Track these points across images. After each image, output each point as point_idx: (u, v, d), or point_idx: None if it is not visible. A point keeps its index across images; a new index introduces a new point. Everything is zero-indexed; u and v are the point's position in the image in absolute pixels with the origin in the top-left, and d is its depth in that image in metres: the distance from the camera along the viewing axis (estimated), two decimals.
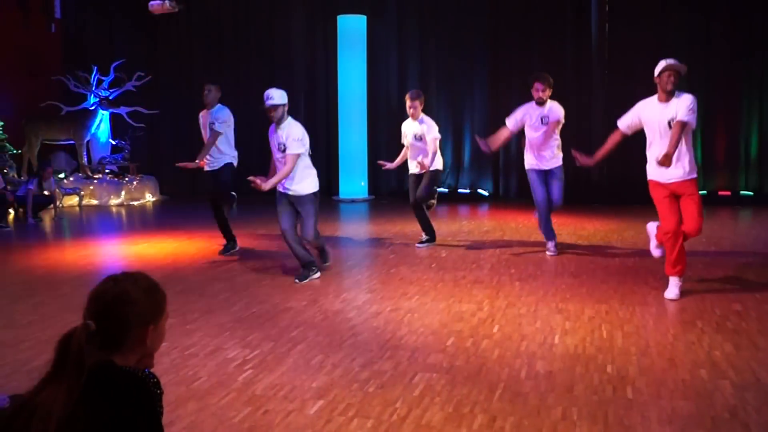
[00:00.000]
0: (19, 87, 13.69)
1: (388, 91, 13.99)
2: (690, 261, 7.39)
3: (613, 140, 6.15)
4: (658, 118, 5.72)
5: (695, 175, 5.82)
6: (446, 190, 13.69)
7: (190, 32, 14.74)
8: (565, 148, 7.55)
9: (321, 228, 9.83)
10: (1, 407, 1.90)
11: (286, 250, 8.08)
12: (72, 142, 13.50)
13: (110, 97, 13.70)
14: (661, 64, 5.70)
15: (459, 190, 13.70)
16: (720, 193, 12.51)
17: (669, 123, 5.67)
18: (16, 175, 12.70)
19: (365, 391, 3.87)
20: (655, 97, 5.81)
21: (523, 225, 9.99)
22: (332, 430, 3.39)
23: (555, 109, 7.51)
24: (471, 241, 8.85)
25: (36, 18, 14.38)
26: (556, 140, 7.57)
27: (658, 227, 6.08)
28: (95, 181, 13.21)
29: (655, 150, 5.79)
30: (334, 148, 13.95)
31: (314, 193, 6.61)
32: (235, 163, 7.95)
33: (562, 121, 7.54)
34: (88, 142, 13.65)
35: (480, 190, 13.58)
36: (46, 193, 11.28)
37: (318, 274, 6.69)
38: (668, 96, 5.70)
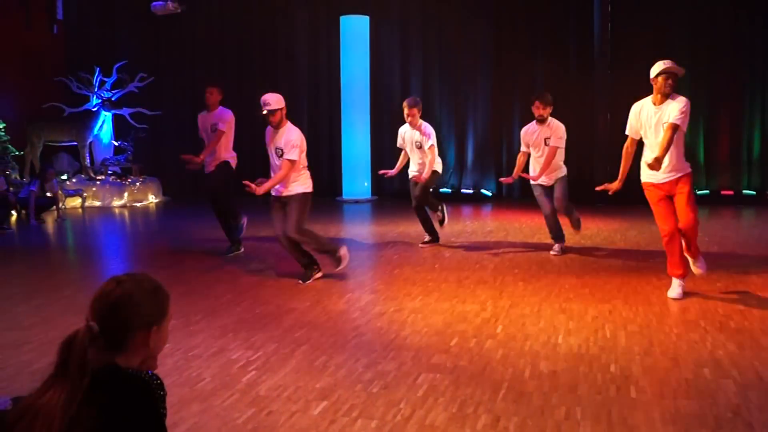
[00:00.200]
0: (22, 88, 13.72)
1: (391, 92, 13.99)
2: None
3: (629, 152, 5.95)
4: (653, 120, 5.68)
5: (688, 171, 5.77)
6: (449, 190, 13.71)
7: (192, 33, 14.76)
8: (571, 152, 7.57)
9: (325, 229, 9.88)
10: (3, 409, 1.90)
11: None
12: (74, 143, 13.51)
13: (113, 99, 13.72)
14: (658, 67, 5.61)
15: (462, 191, 13.71)
16: (723, 192, 12.50)
17: (664, 125, 5.63)
18: (18, 177, 12.72)
19: (369, 391, 3.87)
20: (649, 99, 5.75)
21: (526, 225, 9.98)
22: (336, 430, 3.39)
23: (556, 130, 7.55)
24: (474, 241, 8.84)
25: (38, 19, 14.41)
26: (561, 157, 7.66)
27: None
28: (98, 182, 13.23)
29: (647, 152, 5.75)
30: (337, 148, 13.95)
31: (305, 193, 6.56)
32: (234, 164, 7.97)
33: (563, 143, 7.60)
34: (90, 143, 13.67)
35: (483, 191, 13.58)
36: (48, 194, 11.29)
37: (320, 273, 6.69)
38: (663, 99, 5.65)
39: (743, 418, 3.49)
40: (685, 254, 5.88)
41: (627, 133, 5.95)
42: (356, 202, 13.32)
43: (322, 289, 6.32)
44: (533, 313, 5.43)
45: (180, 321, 5.19)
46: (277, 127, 6.47)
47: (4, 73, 13.42)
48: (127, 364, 1.95)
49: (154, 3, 12.72)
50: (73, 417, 1.78)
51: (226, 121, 7.75)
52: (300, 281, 6.54)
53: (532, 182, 7.82)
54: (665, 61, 5.66)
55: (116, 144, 14.17)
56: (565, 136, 7.61)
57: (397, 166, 8.42)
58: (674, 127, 5.53)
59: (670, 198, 5.77)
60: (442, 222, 8.49)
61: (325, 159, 14.27)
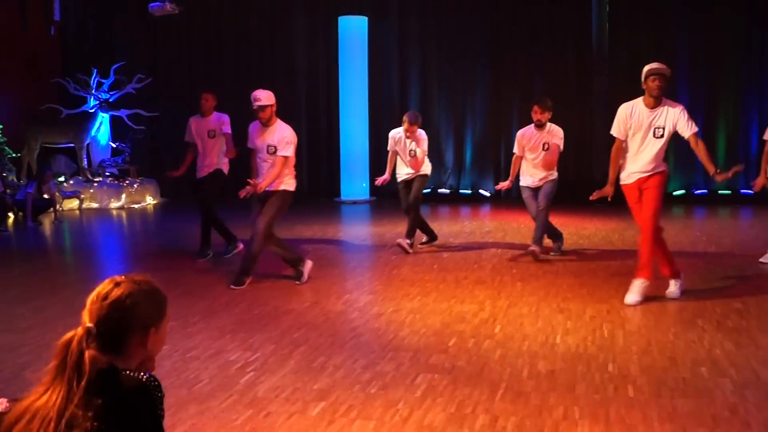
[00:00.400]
0: (19, 90, 13.70)
1: (390, 92, 13.99)
2: (691, 260, 7.42)
3: (618, 154, 5.89)
4: (646, 124, 5.67)
5: (663, 169, 5.78)
6: (448, 191, 13.72)
7: (190, 34, 14.76)
8: (570, 154, 7.58)
9: (323, 230, 9.89)
10: (1, 412, 1.90)
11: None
12: (72, 145, 13.49)
13: (110, 100, 13.71)
14: (646, 69, 5.62)
15: (461, 191, 13.72)
16: (720, 192, 12.53)
17: (655, 131, 5.65)
18: (15, 179, 12.70)
19: (367, 392, 3.87)
20: (640, 101, 5.73)
21: (524, 226, 9.98)
22: (334, 431, 3.39)
23: (555, 134, 7.55)
24: (472, 241, 8.85)
25: (36, 21, 14.40)
26: (555, 162, 7.65)
27: None
28: (95, 184, 13.21)
29: (637, 153, 5.72)
30: (335, 149, 13.95)
31: (288, 191, 6.54)
32: (226, 170, 7.97)
33: (561, 147, 7.60)
34: (88, 145, 13.65)
35: (481, 191, 13.59)
36: (45, 196, 11.27)
37: (310, 264, 6.66)
38: (656, 101, 5.65)
39: (740, 416, 3.50)
40: (638, 272, 5.76)
41: (615, 134, 5.84)
42: (354, 203, 13.31)
43: (321, 289, 6.32)
44: (531, 313, 5.44)
45: (178, 322, 5.19)
46: (267, 124, 6.47)
47: (1, 74, 13.41)
48: (124, 366, 1.95)
49: (152, 4, 12.71)
50: (70, 419, 1.77)
51: (229, 123, 7.77)
52: (297, 282, 6.53)
53: (521, 184, 7.81)
54: (653, 63, 5.67)
55: (114, 145, 14.16)
56: (563, 138, 7.62)
57: (388, 171, 8.30)
58: (697, 136, 5.74)
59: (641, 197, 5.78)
60: (422, 243, 8.41)
61: (323, 160, 14.27)
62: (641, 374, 4.09)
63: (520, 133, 7.75)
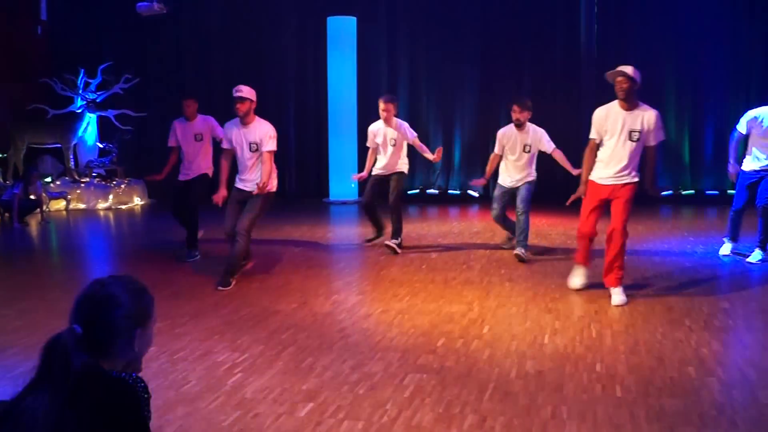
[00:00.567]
0: (5, 90, 13.59)
1: (378, 93, 13.91)
2: (678, 260, 7.47)
3: (592, 156, 5.97)
4: (620, 126, 5.71)
5: (636, 180, 5.80)
6: (437, 191, 13.73)
7: (178, 34, 14.70)
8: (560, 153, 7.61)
9: (312, 230, 9.87)
10: None
11: (274, 252, 8.08)
12: (59, 145, 13.41)
13: (97, 100, 13.62)
14: (610, 72, 5.69)
15: (449, 192, 13.73)
16: (708, 192, 12.61)
17: (631, 134, 5.69)
18: (1, 180, 12.61)
19: (355, 392, 3.87)
20: (615, 104, 5.78)
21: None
22: None
23: (536, 136, 7.58)
24: (461, 242, 8.86)
25: (22, 21, 14.31)
26: (534, 163, 7.70)
27: None
28: (82, 185, 13.13)
29: (612, 156, 5.76)
30: (324, 149, 13.93)
31: (270, 192, 6.58)
32: (210, 174, 7.97)
33: (552, 145, 7.65)
34: (75, 145, 13.56)
35: (470, 192, 13.60)
36: (32, 197, 11.20)
37: (250, 264, 6.78)
38: (629, 105, 5.70)
39: (727, 415, 3.52)
40: (607, 279, 5.83)
41: (593, 137, 5.92)
42: (343, 203, 13.30)
43: (309, 290, 6.31)
44: (520, 314, 5.45)
45: (165, 323, 5.16)
46: (245, 121, 6.48)
47: None
48: (111, 367, 1.94)
49: (140, 4, 12.64)
50: (56, 421, 1.76)
51: (218, 126, 7.76)
52: (218, 287, 6.35)
53: (498, 181, 7.85)
54: (621, 66, 5.73)
55: (101, 146, 14.07)
56: (549, 139, 7.63)
57: (366, 168, 8.32)
58: (657, 148, 5.81)
59: (603, 206, 5.86)
60: (370, 240, 8.46)
61: (312, 160, 14.25)
62: (629, 374, 4.10)
63: (501, 132, 7.74)
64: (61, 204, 12.60)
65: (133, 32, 14.47)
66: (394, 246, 7.98)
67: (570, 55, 13.02)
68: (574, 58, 12.97)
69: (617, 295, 5.70)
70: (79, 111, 13.56)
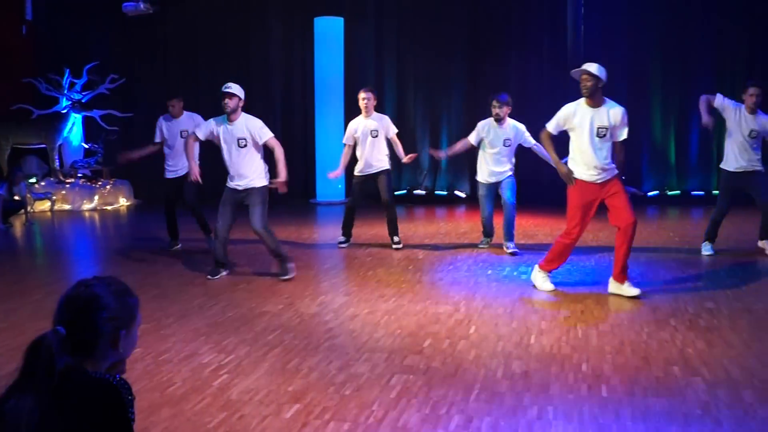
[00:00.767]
0: None
1: None
2: (664, 259, 7.51)
3: (548, 139, 6.13)
4: (588, 122, 5.84)
5: (617, 172, 5.95)
6: (424, 192, 13.73)
7: (165, 34, 14.62)
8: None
9: (298, 231, 9.84)
10: None
11: (261, 254, 8.05)
12: (43, 146, 13.31)
13: (83, 100, 13.53)
14: (574, 71, 5.86)
15: (436, 192, 13.73)
16: (693, 193, 12.69)
17: (598, 130, 5.82)
18: None
19: (342, 393, 3.86)
20: (582, 101, 5.92)
21: (500, 226, 10.01)
22: None
23: (517, 132, 7.81)
24: (448, 242, 8.87)
25: (7, 20, 14.17)
26: (513, 158, 7.93)
27: None
28: (67, 185, 13.03)
29: (586, 155, 5.87)
30: (310, 150, 13.91)
31: (265, 186, 6.69)
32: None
33: (526, 137, 7.84)
34: (60, 145, 13.47)
35: (457, 192, 13.62)
36: (16, 198, 11.10)
37: (226, 272, 6.84)
38: (594, 101, 5.83)
39: (712, 415, 3.54)
40: (615, 276, 5.98)
41: (549, 128, 6.07)
42: (330, 204, 13.28)
43: (295, 291, 6.29)
44: (506, 314, 5.46)
45: (151, 325, 5.14)
46: (231, 118, 6.51)
47: None
48: (94, 369, 1.93)
49: (126, 4, 12.58)
50: (40, 422, 1.75)
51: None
52: (208, 276, 6.74)
53: (479, 180, 8.03)
54: (587, 63, 5.88)
55: (86, 146, 13.98)
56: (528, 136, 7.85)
57: (341, 165, 8.44)
58: (623, 144, 5.95)
59: (591, 205, 5.95)
60: (340, 243, 8.54)
61: (298, 161, 14.19)
62: (614, 373, 4.12)
63: (482, 124, 7.92)
64: (45, 205, 12.50)
65: (119, 32, 14.38)
66: (400, 242, 8.29)
67: (557, 55, 13.05)
68: (560, 59, 13.01)
69: (632, 288, 5.87)
70: (65, 111, 13.47)
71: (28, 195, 11.61)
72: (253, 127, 6.54)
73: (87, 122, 14.01)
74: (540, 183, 10.84)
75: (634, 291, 5.83)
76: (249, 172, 6.57)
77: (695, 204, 12.30)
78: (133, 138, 14.23)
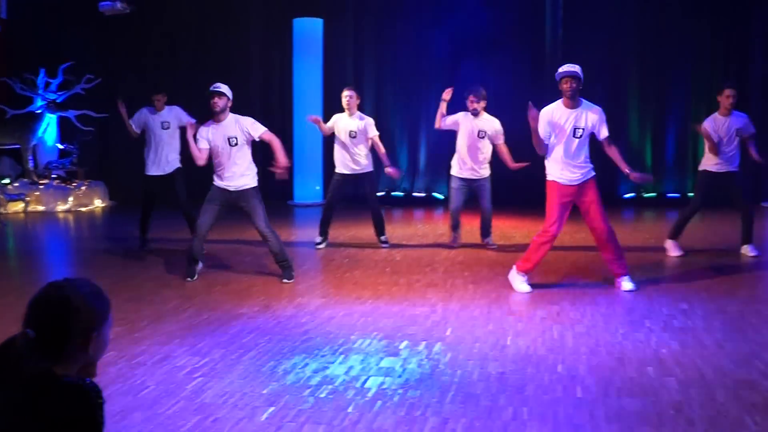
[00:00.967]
0: None
1: None
2: (639, 261, 7.56)
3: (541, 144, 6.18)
4: (566, 123, 5.96)
5: (592, 174, 6.07)
6: (402, 194, 13.73)
7: (142, 34, 14.48)
8: (523, 150, 7.73)
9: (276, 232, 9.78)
10: None
11: (237, 255, 8.01)
12: (17, 146, 13.13)
13: (58, 101, 13.38)
14: (559, 72, 5.96)
15: (414, 194, 13.74)
16: (669, 195, 12.82)
17: (575, 131, 5.94)
18: None
19: (317, 396, 3.84)
20: (560, 103, 6.05)
21: (476, 228, 10.04)
22: None
23: (492, 124, 8.02)
24: (425, 244, 8.88)
25: None
26: (488, 154, 8.07)
27: None
28: (41, 186, 12.86)
29: (564, 156, 5.98)
30: (288, 152, 13.81)
31: (257, 187, 6.71)
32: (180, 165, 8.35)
33: (500, 135, 8.03)
34: (34, 146, 13.29)
35: (435, 194, 13.64)
36: None
37: (201, 266, 6.88)
38: (573, 102, 5.96)
39: (685, 414, 3.57)
40: (616, 275, 6.20)
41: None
42: (308, 206, 13.24)
43: (272, 293, 6.26)
44: (482, 316, 5.47)
45: (124, 327, 5.08)
46: (219, 118, 6.50)
47: None
48: (64, 372, 1.90)
49: (102, 3, 12.43)
50: (8, 426, 1.73)
51: (185, 113, 8.18)
52: (188, 279, 6.72)
53: (453, 174, 8.22)
54: (569, 64, 5.97)
55: (61, 147, 13.82)
56: (502, 132, 8.03)
57: (322, 124, 8.50)
58: (609, 139, 6.07)
59: (568, 205, 6.06)
60: (317, 244, 8.56)
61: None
62: (589, 374, 4.15)
63: (461, 114, 8.09)
64: (19, 206, 12.33)
65: (95, 32, 14.22)
66: (387, 241, 8.47)
67: (536, 58, 13.13)
68: (539, 62, 13.08)
69: (629, 282, 6.13)
70: (39, 111, 13.30)
71: (1, 196, 11.47)
72: (245, 125, 6.54)
73: (62, 123, 13.86)
74: (515, 185, 10.88)
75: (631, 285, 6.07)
76: (241, 171, 6.53)
77: (671, 206, 12.41)
78: (109, 138, 14.15)
